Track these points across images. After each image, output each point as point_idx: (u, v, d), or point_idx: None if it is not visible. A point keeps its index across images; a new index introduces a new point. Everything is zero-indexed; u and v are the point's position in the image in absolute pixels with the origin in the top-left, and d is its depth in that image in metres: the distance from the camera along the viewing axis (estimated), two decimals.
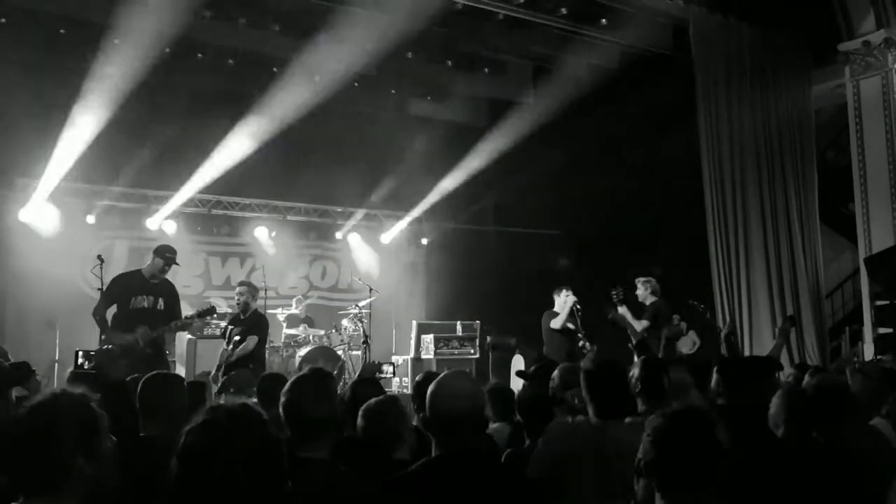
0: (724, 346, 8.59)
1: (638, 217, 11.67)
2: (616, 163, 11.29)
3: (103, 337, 6.32)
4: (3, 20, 9.20)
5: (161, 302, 6.59)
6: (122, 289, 6.53)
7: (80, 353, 6.65)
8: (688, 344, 11.37)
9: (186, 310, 7.19)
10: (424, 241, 12.55)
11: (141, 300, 6.49)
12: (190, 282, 10.62)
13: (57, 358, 9.52)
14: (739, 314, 10.43)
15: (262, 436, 1.76)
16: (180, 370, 9.65)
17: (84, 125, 9.45)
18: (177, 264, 6.88)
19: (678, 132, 10.65)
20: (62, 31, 9.50)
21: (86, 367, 6.11)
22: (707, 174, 10.57)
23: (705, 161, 10.56)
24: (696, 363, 5.86)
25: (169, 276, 6.81)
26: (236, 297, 7.32)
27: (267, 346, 8.20)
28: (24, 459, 1.81)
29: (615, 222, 12.00)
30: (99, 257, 6.88)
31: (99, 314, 6.41)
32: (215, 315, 7.13)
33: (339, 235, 12.22)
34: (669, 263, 11.11)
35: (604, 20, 10.21)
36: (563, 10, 9.85)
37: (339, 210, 12.06)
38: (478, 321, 11.12)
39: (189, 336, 9.78)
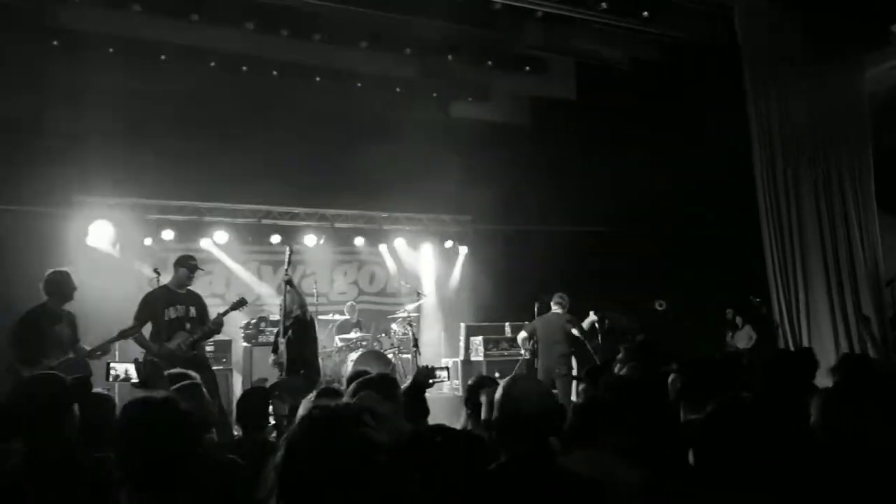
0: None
1: (687, 212, 11.50)
2: (663, 158, 11.14)
3: (145, 354, 6.49)
4: (56, 42, 9.50)
5: (192, 310, 6.83)
6: (153, 305, 6.74)
7: (112, 366, 6.82)
8: (744, 339, 11.18)
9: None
10: (462, 249, 12.57)
11: (172, 311, 6.72)
12: (243, 289, 10.80)
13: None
14: (796, 307, 10.18)
15: (362, 436, 1.78)
16: (237, 378, 9.85)
17: (138, 143, 9.73)
18: (201, 269, 7.11)
19: (726, 123, 10.46)
20: (110, 49, 9.74)
21: (133, 379, 6.24)
22: (758, 165, 10.34)
23: (756, 151, 10.33)
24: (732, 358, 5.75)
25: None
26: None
27: (319, 350, 8.30)
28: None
29: (663, 219, 11.83)
30: (155, 270, 7.05)
31: (138, 336, 6.60)
32: (246, 305, 7.23)
33: (385, 240, 12.31)
34: (722, 258, 10.93)
35: (645, 12, 10.07)
36: (604, 5, 9.73)
37: (385, 215, 12.15)
38: (527, 322, 11.07)
39: (245, 343, 9.97)
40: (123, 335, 6.35)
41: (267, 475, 1.77)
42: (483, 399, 4.03)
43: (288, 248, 7.59)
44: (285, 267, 7.30)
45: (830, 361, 5.45)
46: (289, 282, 7.20)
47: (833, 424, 3.01)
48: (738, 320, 11.29)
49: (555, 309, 9.28)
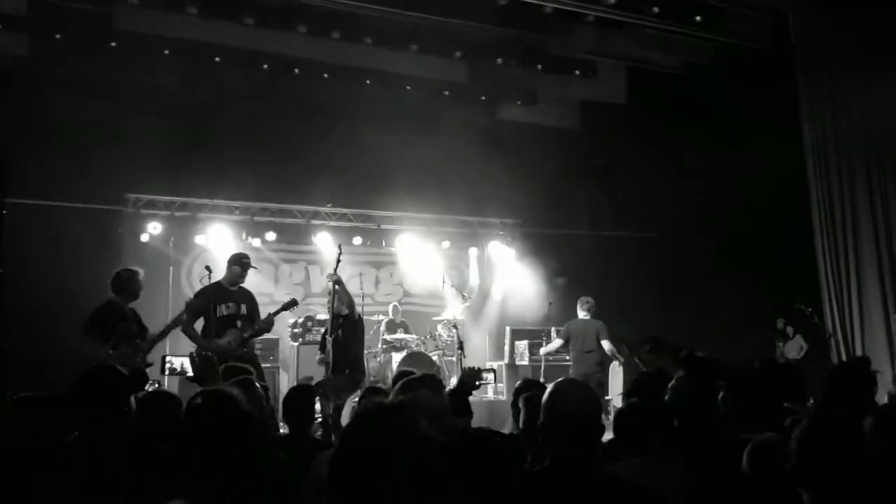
0: None
1: (738, 218, 11.30)
2: (713, 164, 10.98)
3: (197, 349, 6.62)
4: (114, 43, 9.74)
5: (243, 307, 6.88)
6: (206, 300, 6.81)
7: (168, 359, 6.96)
8: (795, 348, 10.93)
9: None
10: (509, 252, 12.58)
11: (224, 308, 6.79)
12: (291, 290, 10.95)
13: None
14: (850, 317, 9.93)
15: (414, 431, 1.79)
16: (283, 376, 10.00)
17: (191, 143, 9.96)
18: (253, 268, 7.19)
19: (779, 130, 10.26)
20: (166, 51, 9.96)
21: (188, 374, 6.36)
22: (812, 172, 10.13)
23: (809, 159, 10.12)
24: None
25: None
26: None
27: (365, 351, 8.37)
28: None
29: (713, 224, 11.65)
30: (207, 268, 7.18)
31: (189, 329, 6.69)
32: (296, 306, 7.29)
33: (431, 242, 12.35)
34: (773, 266, 10.72)
35: (698, 17, 9.94)
36: (656, 9, 9.64)
37: (431, 217, 12.20)
38: (560, 329, 10.97)
39: (292, 342, 10.12)
40: (175, 323, 6.49)
41: (317, 472, 1.80)
42: (520, 404, 4.03)
43: (339, 248, 7.65)
44: (335, 267, 7.37)
45: (885, 374, 5.31)
46: (337, 281, 7.27)
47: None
48: (789, 330, 11.04)
49: (582, 315, 8.96)
